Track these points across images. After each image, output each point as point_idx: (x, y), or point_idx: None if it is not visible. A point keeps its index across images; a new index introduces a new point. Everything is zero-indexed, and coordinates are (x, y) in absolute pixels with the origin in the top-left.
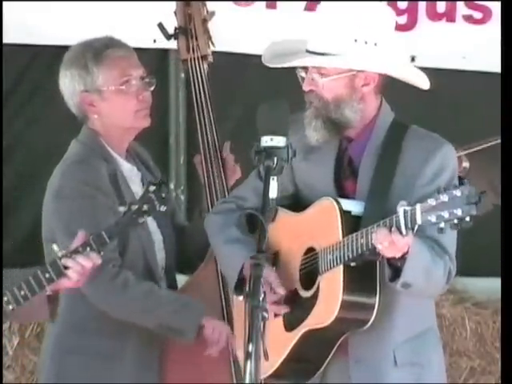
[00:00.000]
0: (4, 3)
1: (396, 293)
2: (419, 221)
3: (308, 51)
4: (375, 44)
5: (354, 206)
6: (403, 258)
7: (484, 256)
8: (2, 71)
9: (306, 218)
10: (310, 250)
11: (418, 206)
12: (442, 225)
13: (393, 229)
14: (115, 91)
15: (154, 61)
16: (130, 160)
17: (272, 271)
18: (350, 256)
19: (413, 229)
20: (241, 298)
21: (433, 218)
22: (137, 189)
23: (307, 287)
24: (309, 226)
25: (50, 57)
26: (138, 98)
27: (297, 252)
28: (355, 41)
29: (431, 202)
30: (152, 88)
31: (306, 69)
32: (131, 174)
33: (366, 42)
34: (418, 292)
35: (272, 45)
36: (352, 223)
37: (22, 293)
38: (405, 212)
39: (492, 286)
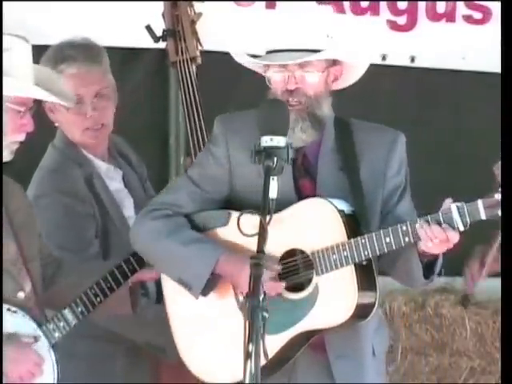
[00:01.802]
0: (4, 3)
1: None
2: (483, 216)
3: (283, 50)
4: (332, 37)
5: (342, 206)
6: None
7: None
8: (2, 71)
9: (285, 221)
10: (293, 251)
11: (480, 202)
12: None
13: (444, 225)
14: (62, 108)
15: (154, 61)
16: (109, 159)
17: None
18: (370, 254)
19: (466, 225)
20: (207, 297)
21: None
22: (117, 186)
23: (293, 290)
24: (290, 228)
25: None
26: (87, 117)
27: (273, 255)
28: (327, 36)
29: (497, 196)
30: (111, 101)
31: (284, 67)
32: (108, 173)
33: (332, 37)
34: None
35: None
36: (349, 222)
37: (108, 285)
38: (459, 208)
39: (492, 286)
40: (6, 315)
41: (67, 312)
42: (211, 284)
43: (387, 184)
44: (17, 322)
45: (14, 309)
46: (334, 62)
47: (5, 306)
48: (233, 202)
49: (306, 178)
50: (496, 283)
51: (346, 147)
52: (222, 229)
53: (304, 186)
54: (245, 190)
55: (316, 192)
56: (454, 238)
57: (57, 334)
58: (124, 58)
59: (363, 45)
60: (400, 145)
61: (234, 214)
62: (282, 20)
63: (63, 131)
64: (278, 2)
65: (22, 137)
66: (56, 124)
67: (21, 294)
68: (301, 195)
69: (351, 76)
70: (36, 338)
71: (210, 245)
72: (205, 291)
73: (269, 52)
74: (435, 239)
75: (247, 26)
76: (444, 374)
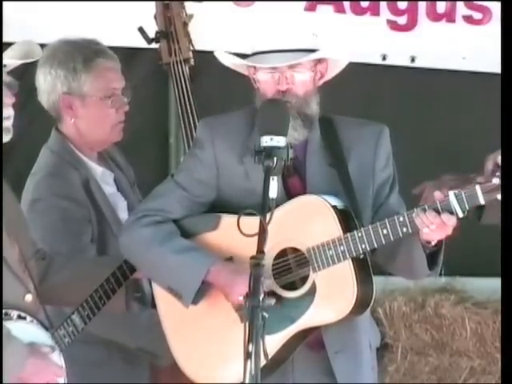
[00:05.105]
0: (4, 3)
1: None
2: (482, 201)
3: (270, 51)
4: (316, 35)
5: (334, 201)
6: (437, 244)
7: (484, 256)
8: (2, 71)
9: (277, 220)
10: (285, 251)
11: (478, 187)
12: None
13: (442, 212)
14: (99, 102)
15: (154, 61)
16: (101, 161)
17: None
18: (368, 247)
19: (465, 211)
20: (196, 306)
21: (500, 197)
22: (111, 189)
23: (289, 288)
24: (283, 227)
25: None
26: (118, 112)
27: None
28: (313, 34)
29: (495, 181)
30: (128, 99)
31: (274, 68)
32: (103, 176)
33: (316, 35)
34: None
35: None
36: (343, 217)
37: (111, 286)
38: (457, 195)
39: (492, 285)
40: (18, 323)
41: (75, 317)
42: (202, 293)
43: (377, 177)
44: (31, 330)
45: (23, 315)
46: (320, 60)
47: (15, 313)
48: (219, 205)
49: (295, 176)
50: (496, 283)
51: (332, 143)
52: (211, 233)
53: (293, 184)
54: (232, 192)
55: (306, 189)
56: (450, 220)
57: (67, 340)
58: (124, 58)
59: (363, 45)
60: (386, 138)
61: (224, 217)
62: (264, 20)
63: (61, 133)
64: (256, 2)
65: (8, 112)
66: (72, 120)
67: (28, 297)
68: (290, 194)
69: (333, 72)
70: (53, 348)
71: (202, 253)
72: (195, 300)
73: (255, 53)
74: (431, 225)
75: (242, 27)
76: (444, 374)
